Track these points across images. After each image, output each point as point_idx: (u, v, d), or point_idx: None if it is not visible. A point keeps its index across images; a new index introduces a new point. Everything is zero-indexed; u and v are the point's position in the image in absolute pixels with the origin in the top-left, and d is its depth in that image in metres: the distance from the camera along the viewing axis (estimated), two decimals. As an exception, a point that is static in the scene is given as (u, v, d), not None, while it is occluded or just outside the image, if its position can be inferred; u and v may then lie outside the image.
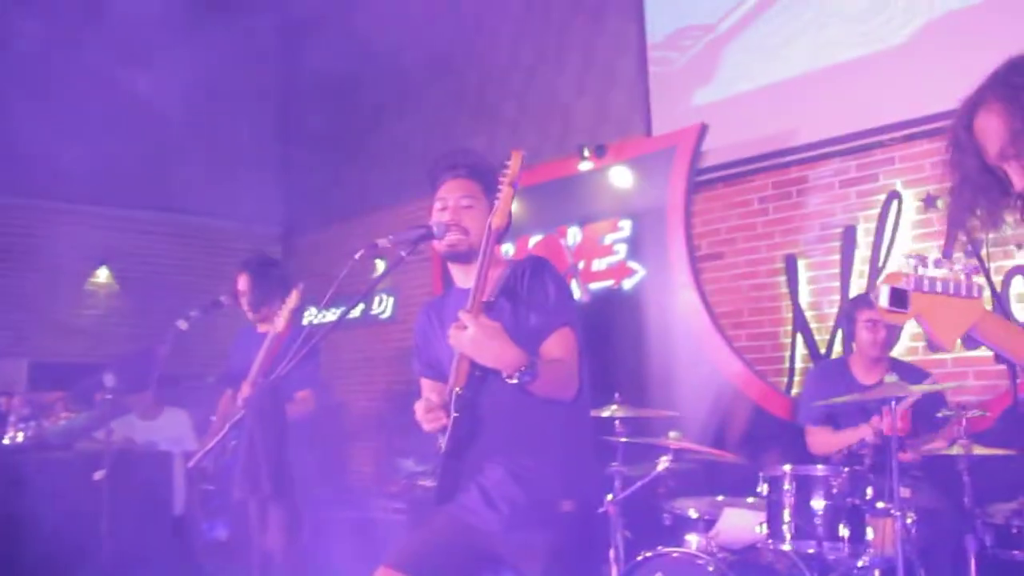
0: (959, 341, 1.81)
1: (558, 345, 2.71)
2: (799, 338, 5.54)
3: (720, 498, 4.34)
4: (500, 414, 2.69)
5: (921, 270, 1.66)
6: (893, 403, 3.46)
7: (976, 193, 1.96)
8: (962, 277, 1.66)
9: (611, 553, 4.17)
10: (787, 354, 5.60)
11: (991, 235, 1.98)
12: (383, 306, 8.26)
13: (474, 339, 2.51)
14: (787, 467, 3.61)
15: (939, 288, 1.63)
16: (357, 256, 2.77)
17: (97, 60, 7.44)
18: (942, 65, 4.74)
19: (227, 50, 7.88)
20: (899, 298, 1.63)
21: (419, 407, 2.74)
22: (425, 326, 3.05)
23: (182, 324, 4.46)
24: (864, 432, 3.88)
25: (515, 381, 2.52)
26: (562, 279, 2.85)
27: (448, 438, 2.68)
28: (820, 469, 3.62)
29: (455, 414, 2.65)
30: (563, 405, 2.71)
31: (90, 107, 7.57)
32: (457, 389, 2.65)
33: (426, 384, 2.98)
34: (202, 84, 7.98)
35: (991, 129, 1.90)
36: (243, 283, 4.67)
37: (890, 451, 3.56)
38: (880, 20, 5.25)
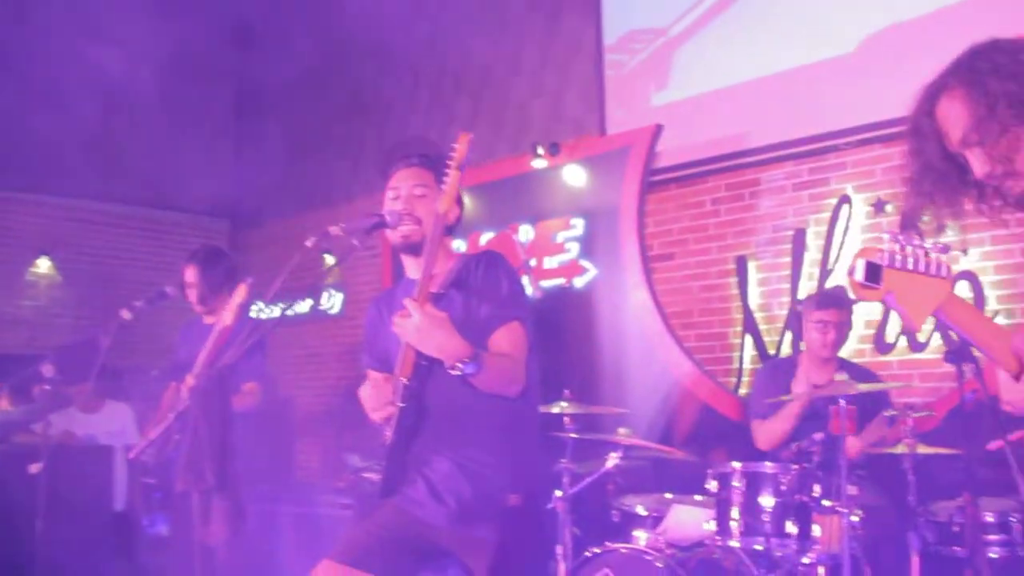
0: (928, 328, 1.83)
1: (507, 339, 2.68)
2: (748, 339, 5.58)
3: (669, 495, 4.35)
4: (447, 406, 2.66)
5: (894, 247, 1.65)
6: (842, 402, 3.49)
7: (937, 181, 1.96)
8: (932, 256, 1.66)
9: (559, 549, 4.16)
10: (736, 355, 5.64)
11: (950, 223, 1.96)
12: (331, 302, 8.19)
13: (419, 328, 2.47)
14: (736, 464, 3.63)
15: (911, 265, 1.63)
16: (308, 243, 2.72)
17: (40, 43, 7.29)
18: (895, 71, 4.79)
19: (179, 39, 7.75)
20: (874, 273, 1.62)
21: (364, 389, 2.71)
22: (375, 318, 3.01)
23: (126, 314, 4.35)
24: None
25: (459, 372, 2.49)
26: (515, 274, 2.82)
27: (394, 429, 2.65)
28: (769, 466, 3.64)
29: (401, 405, 2.62)
30: (510, 399, 2.68)
31: (32, 93, 7.42)
32: (403, 380, 2.62)
33: (373, 378, 2.93)
34: (152, 72, 7.84)
35: (954, 115, 1.89)
36: (191, 275, 4.59)
37: (838, 449, 3.59)
38: (833, 26, 5.30)
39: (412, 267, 2.88)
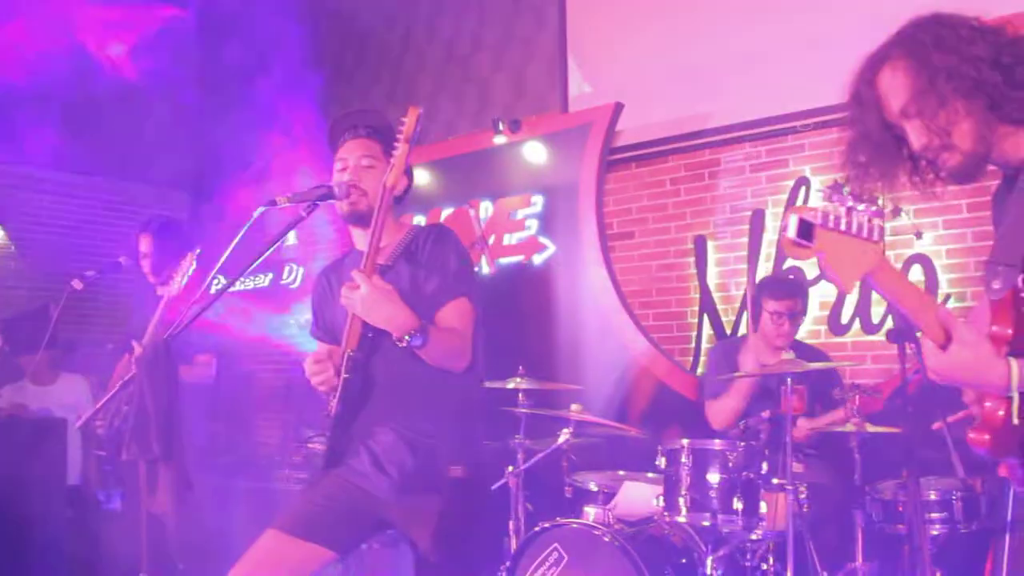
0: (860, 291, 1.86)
1: (454, 314, 2.71)
2: (705, 318, 5.61)
3: (622, 472, 4.42)
4: (392, 378, 2.69)
5: (828, 207, 1.65)
6: (789, 380, 3.53)
7: (873, 150, 1.98)
8: (865, 220, 1.66)
9: (511, 524, 4.20)
10: (693, 334, 5.67)
11: (882, 194, 1.96)
12: (292, 275, 8.14)
13: (365, 299, 2.49)
14: (685, 441, 3.66)
15: (843, 227, 1.63)
16: (256, 213, 2.71)
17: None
18: (854, 54, 4.81)
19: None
20: (806, 230, 1.62)
21: (308, 360, 2.71)
22: (323, 289, 3.03)
23: (77, 284, 4.32)
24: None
25: (404, 344, 2.51)
26: (465, 250, 2.83)
27: (338, 400, 2.66)
28: (717, 444, 3.68)
29: (346, 376, 2.63)
30: (455, 373, 2.70)
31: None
32: (349, 351, 2.63)
33: (321, 348, 2.94)
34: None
35: (895, 86, 1.92)
36: (145, 244, 4.55)
37: (785, 428, 3.64)
38: (794, 8, 5.32)
39: (360, 238, 2.89)
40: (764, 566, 3.74)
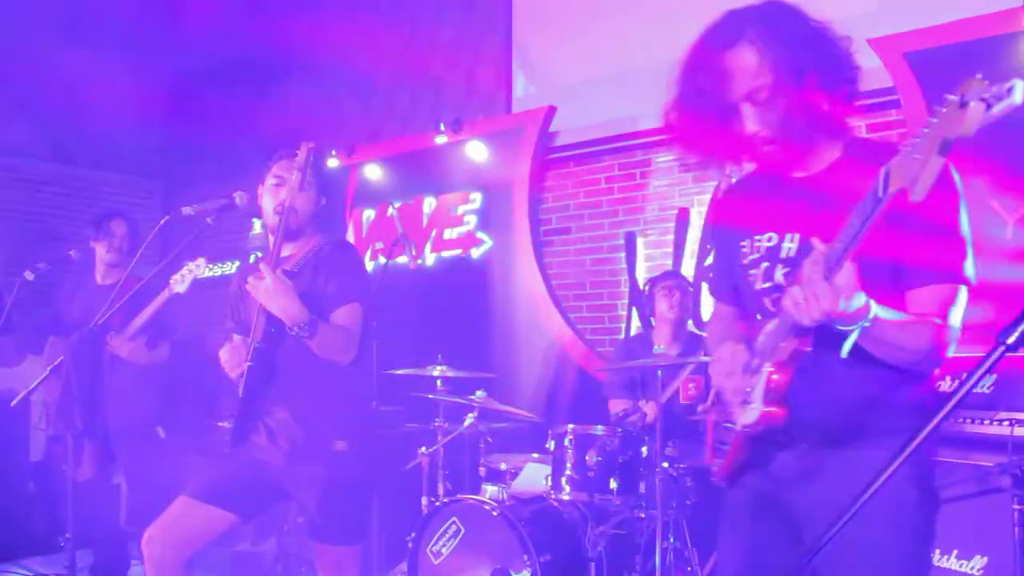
0: None
1: (346, 316, 3.11)
2: (634, 311, 5.92)
3: (536, 455, 4.73)
4: (289, 366, 3.09)
5: None
6: (659, 372, 3.88)
7: (718, 121, 1.98)
8: None
9: (423, 500, 4.56)
10: (623, 326, 5.99)
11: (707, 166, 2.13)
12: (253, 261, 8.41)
13: (267, 289, 2.87)
14: (570, 426, 4.00)
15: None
16: (162, 222, 3.07)
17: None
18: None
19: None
20: None
21: (223, 351, 3.09)
22: (240, 286, 3.38)
23: (28, 275, 4.64)
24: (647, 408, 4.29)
25: (295, 333, 2.88)
26: (361, 263, 3.33)
27: (244, 385, 3.04)
28: (599, 429, 4.01)
29: (249, 364, 3.01)
30: (343, 365, 3.08)
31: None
32: (255, 342, 3.01)
33: (235, 341, 3.30)
34: (87, 33, 7.99)
35: (749, 69, 1.92)
36: (119, 227, 4.84)
37: (669, 415, 3.99)
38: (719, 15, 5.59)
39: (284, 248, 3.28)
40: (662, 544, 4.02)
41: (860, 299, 1.71)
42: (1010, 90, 1.35)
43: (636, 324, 5.79)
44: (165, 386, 5.00)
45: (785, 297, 1.74)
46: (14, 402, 3.56)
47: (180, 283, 4.24)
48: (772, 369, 1.88)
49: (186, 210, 3.06)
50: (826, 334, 1.79)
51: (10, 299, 4.55)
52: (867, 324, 1.73)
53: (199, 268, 4.21)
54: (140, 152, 9.41)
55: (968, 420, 3.08)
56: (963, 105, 1.38)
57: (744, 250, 2.14)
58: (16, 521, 6.10)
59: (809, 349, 1.85)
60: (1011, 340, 1.37)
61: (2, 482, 5.98)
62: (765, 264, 2.07)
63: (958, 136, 1.40)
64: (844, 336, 1.77)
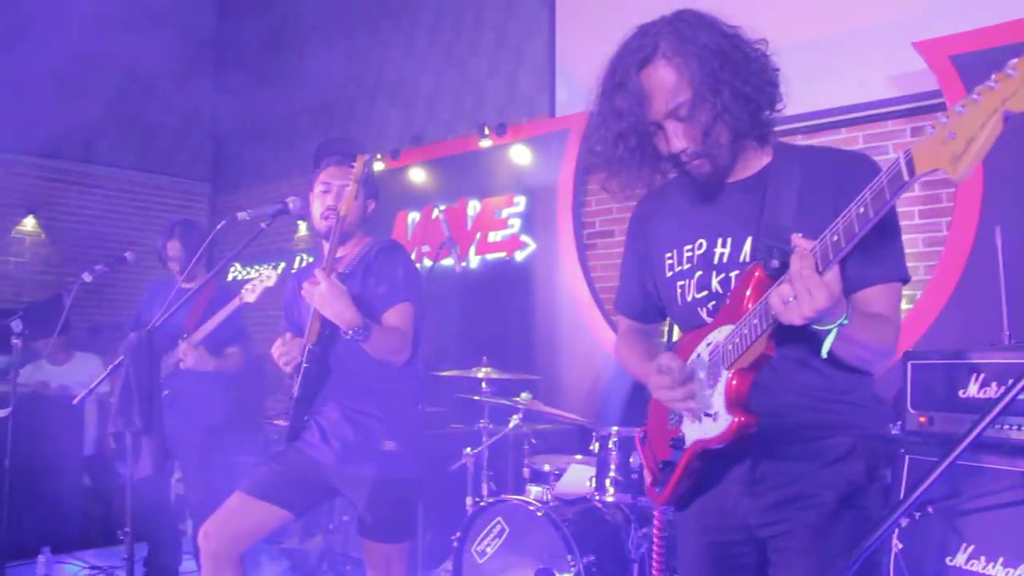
0: None
1: (397, 316, 3.17)
2: (675, 313, 5.95)
3: (579, 457, 4.77)
4: (342, 368, 3.18)
5: None
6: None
7: (639, 142, 1.95)
8: None
9: (467, 500, 4.63)
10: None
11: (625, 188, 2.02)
12: (303, 265, 8.54)
13: (322, 295, 2.94)
14: (614, 428, 4.04)
15: None
16: (218, 227, 3.16)
17: (19, 6, 7.59)
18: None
19: (159, 6, 8.11)
20: None
21: (276, 345, 3.18)
22: (294, 290, 3.48)
23: (87, 277, 4.75)
24: None
25: (350, 337, 2.96)
26: (410, 262, 3.33)
27: (299, 385, 3.15)
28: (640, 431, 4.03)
29: (305, 365, 3.12)
30: (395, 366, 3.15)
31: (15, 56, 7.71)
32: (309, 344, 3.10)
33: (288, 336, 3.40)
34: (134, 36, 8.17)
35: (668, 85, 1.87)
36: (173, 249, 4.99)
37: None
38: (767, 20, 5.59)
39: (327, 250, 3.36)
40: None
41: (836, 302, 1.63)
42: None
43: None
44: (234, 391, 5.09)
45: (772, 296, 1.67)
46: (76, 399, 3.67)
47: (251, 292, 4.34)
48: (731, 375, 1.80)
49: (241, 215, 3.16)
50: (779, 336, 1.75)
51: (68, 299, 4.67)
52: (845, 322, 1.67)
53: (270, 279, 4.30)
54: (189, 154, 9.59)
55: (1015, 427, 3.07)
56: None
57: (669, 262, 2.09)
58: (71, 514, 6.28)
59: (773, 355, 1.78)
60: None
61: (58, 476, 6.14)
62: (699, 273, 2.00)
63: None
64: (798, 338, 1.75)
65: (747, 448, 1.89)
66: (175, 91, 9.38)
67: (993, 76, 1.37)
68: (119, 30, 7.85)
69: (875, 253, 1.81)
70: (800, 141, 5.15)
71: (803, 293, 1.59)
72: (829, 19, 5.11)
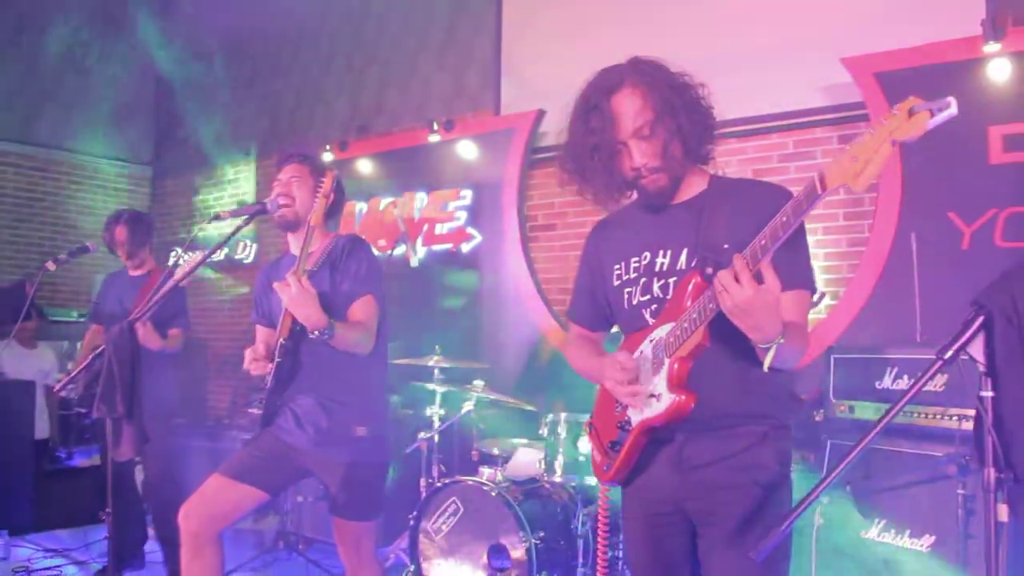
0: None
1: (362, 310, 3.41)
2: (614, 304, 6.23)
3: (524, 440, 5.04)
4: (313, 359, 3.42)
5: None
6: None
7: (607, 159, 2.25)
8: None
9: (421, 480, 4.89)
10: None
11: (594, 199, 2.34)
12: (246, 251, 8.64)
13: (292, 297, 3.15)
14: (564, 413, 4.33)
15: None
16: (204, 224, 3.36)
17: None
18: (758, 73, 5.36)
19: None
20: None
21: (248, 354, 3.39)
22: (264, 283, 3.70)
23: (51, 265, 4.87)
24: None
25: (316, 336, 3.19)
26: (373, 256, 3.55)
27: (272, 377, 3.37)
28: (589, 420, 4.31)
29: (278, 359, 3.33)
30: (362, 356, 3.39)
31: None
32: (281, 339, 3.33)
33: (260, 330, 3.66)
34: (82, 21, 8.15)
35: (635, 108, 2.20)
36: (121, 234, 5.12)
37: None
38: (709, 25, 5.83)
39: (292, 243, 3.60)
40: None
41: (778, 318, 1.93)
42: (948, 103, 1.67)
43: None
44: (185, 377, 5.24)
45: (716, 281, 1.94)
46: (56, 388, 3.80)
47: (181, 271, 4.50)
48: (672, 360, 2.10)
49: (223, 213, 3.36)
50: (713, 335, 2.06)
51: (32, 288, 4.79)
52: (782, 341, 1.95)
53: (193, 260, 4.45)
54: (131, 140, 9.58)
55: (922, 415, 3.45)
56: (911, 113, 1.70)
57: (617, 272, 2.40)
58: (22, 499, 6.33)
59: (708, 344, 2.07)
60: (947, 355, 1.94)
61: (8, 460, 6.21)
62: (644, 280, 2.31)
63: (906, 138, 1.71)
64: (728, 336, 2.03)
65: (675, 432, 2.21)
66: (122, 76, 9.35)
67: (884, 116, 1.75)
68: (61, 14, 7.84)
69: (790, 263, 2.08)
70: (735, 145, 5.51)
71: (730, 282, 1.91)
72: (765, 32, 5.45)
